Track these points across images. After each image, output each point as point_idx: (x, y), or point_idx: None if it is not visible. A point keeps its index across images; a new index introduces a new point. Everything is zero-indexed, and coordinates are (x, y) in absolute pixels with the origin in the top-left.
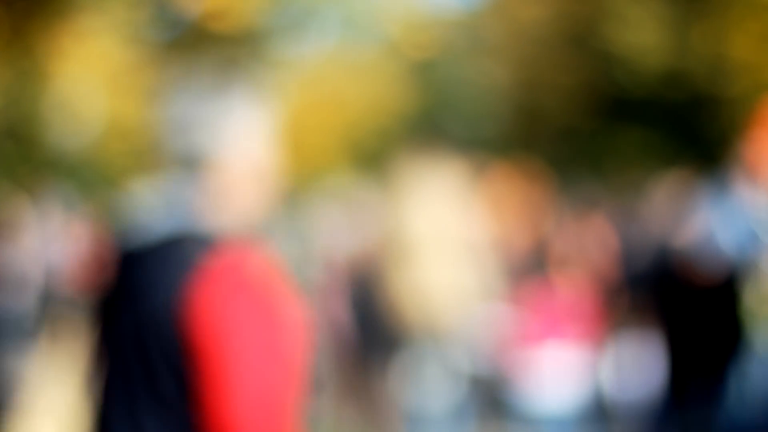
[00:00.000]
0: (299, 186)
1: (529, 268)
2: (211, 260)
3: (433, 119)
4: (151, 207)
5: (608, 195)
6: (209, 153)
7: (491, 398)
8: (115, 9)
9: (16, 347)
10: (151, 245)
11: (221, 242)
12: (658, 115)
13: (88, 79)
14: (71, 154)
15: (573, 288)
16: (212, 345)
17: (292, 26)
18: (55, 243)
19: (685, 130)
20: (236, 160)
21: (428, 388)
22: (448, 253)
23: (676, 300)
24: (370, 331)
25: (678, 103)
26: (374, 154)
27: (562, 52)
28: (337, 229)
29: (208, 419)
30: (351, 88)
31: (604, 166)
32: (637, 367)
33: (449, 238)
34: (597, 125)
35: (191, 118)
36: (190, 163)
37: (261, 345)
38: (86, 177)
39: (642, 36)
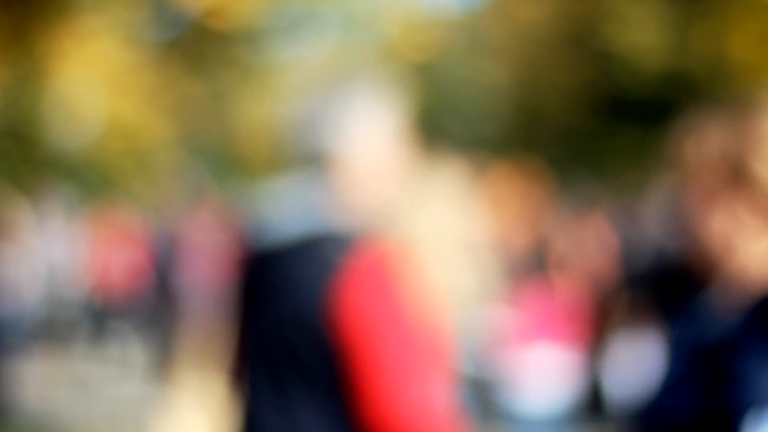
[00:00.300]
0: None
1: (529, 268)
2: (352, 258)
3: (433, 119)
4: (282, 207)
5: (608, 195)
6: (337, 152)
7: (485, 399)
8: (115, 9)
9: (14, 347)
10: (287, 245)
11: (358, 240)
12: (658, 115)
13: (88, 79)
14: (71, 154)
15: (570, 288)
16: (361, 342)
17: (292, 27)
18: (57, 243)
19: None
20: (364, 158)
21: None
22: (447, 252)
23: (676, 300)
24: None
25: (678, 103)
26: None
27: (562, 52)
28: None
29: (362, 413)
30: None
31: (604, 166)
32: (636, 366)
33: (449, 238)
34: (597, 125)
35: (318, 117)
36: (318, 163)
37: (407, 339)
38: (86, 177)
39: (642, 36)
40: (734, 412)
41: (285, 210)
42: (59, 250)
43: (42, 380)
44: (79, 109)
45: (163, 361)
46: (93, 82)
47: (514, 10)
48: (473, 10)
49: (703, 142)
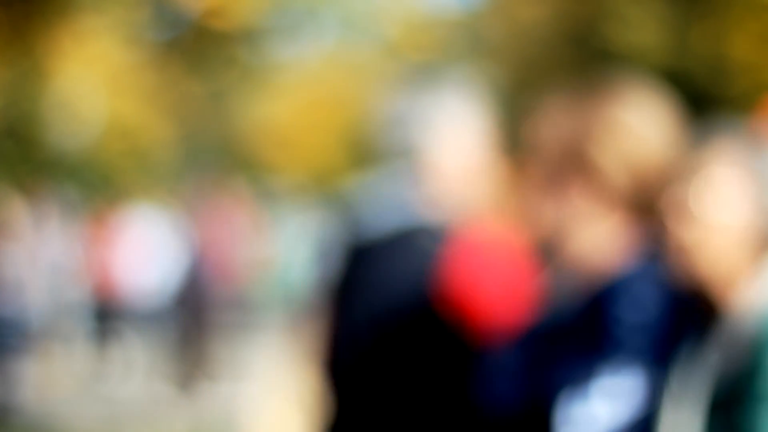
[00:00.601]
0: (300, 186)
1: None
2: (449, 247)
3: None
4: (377, 202)
5: None
6: (427, 148)
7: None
8: (115, 9)
9: (15, 348)
10: (384, 238)
11: (451, 230)
12: None
13: (88, 79)
14: (71, 154)
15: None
16: (473, 327)
17: (292, 27)
18: (57, 243)
19: (685, 130)
20: (452, 154)
21: None
22: None
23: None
24: None
25: (678, 103)
26: (374, 154)
27: (562, 52)
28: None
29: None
30: (351, 87)
31: None
32: None
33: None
34: None
35: (409, 114)
36: (410, 158)
37: (515, 323)
38: (86, 177)
39: (642, 36)
40: (550, 394)
41: (380, 204)
42: (60, 249)
43: (43, 380)
44: (79, 109)
45: (186, 360)
46: (93, 82)
47: (514, 10)
48: (473, 10)
49: (544, 126)
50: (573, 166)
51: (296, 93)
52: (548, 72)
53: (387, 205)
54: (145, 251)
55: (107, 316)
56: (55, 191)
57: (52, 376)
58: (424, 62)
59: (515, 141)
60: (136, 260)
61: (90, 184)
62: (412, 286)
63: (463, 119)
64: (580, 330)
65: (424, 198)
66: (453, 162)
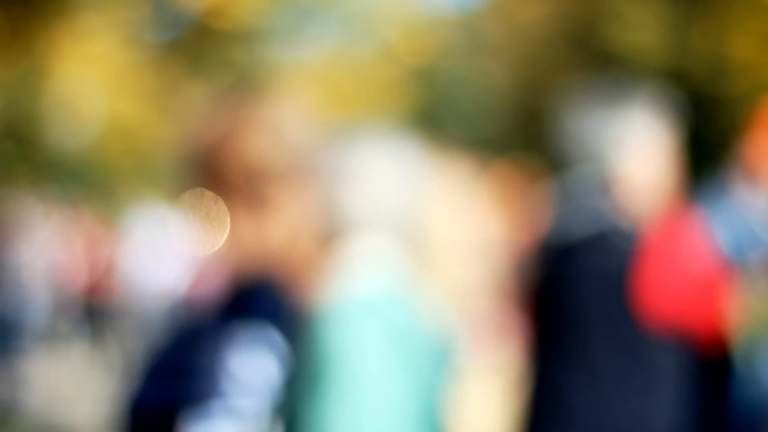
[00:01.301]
0: None
1: (529, 268)
2: (644, 246)
3: (433, 119)
4: (571, 206)
5: None
6: (617, 157)
7: None
8: (115, 9)
9: (16, 348)
10: (582, 239)
11: (642, 231)
12: None
13: (88, 79)
14: (71, 154)
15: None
16: (671, 313)
17: (292, 28)
18: (57, 243)
19: (685, 130)
20: (639, 164)
21: None
22: (449, 252)
23: None
24: None
25: (678, 103)
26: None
27: (562, 52)
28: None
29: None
30: (351, 88)
31: None
32: None
33: (451, 238)
34: None
35: (600, 126)
36: (599, 167)
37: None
38: (86, 177)
39: (642, 36)
40: (180, 405)
41: (573, 209)
42: (60, 250)
43: (44, 380)
44: (79, 109)
45: None
46: (93, 82)
47: (514, 10)
48: (473, 11)
49: (195, 128)
50: (214, 171)
51: (296, 94)
52: (548, 72)
53: (580, 209)
54: (146, 251)
55: (107, 316)
56: (55, 191)
57: (53, 377)
58: (424, 62)
59: (515, 141)
60: (137, 260)
61: (90, 184)
62: (611, 284)
63: (649, 132)
64: (217, 341)
65: (614, 203)
66: (639, 170)
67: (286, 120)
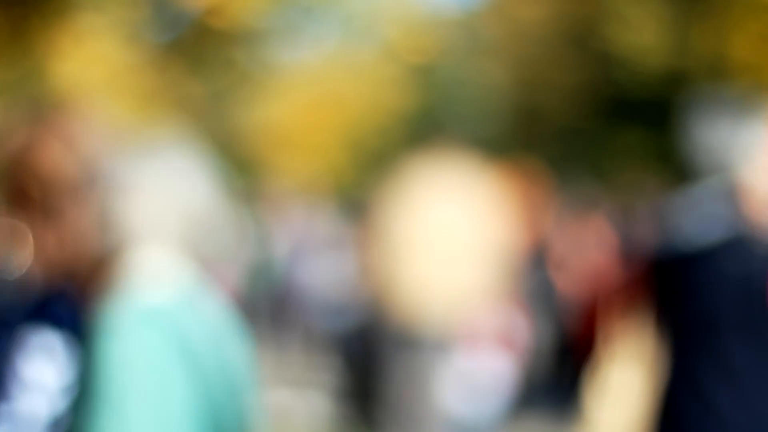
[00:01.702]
0: (300, 186)
1: (529, 268)
2: None
3: (433, 119)
4: (698, 214)
5: (608, 195)
6: (742, 169)
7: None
8: (115, 9)
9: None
10: (712, 246)
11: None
12: (658, 116)
13: (88, 79)
14: None
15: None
16: None
17: (292, 27)
18: None
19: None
20: (763, 175)
21: (430, 388)
22: (450, 252)
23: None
24: (375, 331)
25: (678, 104)
26: (375, 155)
27: (562, 52)
28: (336, 231)
29: None
30: (351, 88)
31: (604, 166)
32: None
33: (451, 238)
34: (597, 125)
35: (727, 138)
36: (726, 177)
37: None
38: None
39: (642, 36)
40: None
41: (701, 216)
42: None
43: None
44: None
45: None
46: (93, 82)
47: (514, 10)
48: (473, 10)
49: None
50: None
51: (296, 94)
52: (548, 72)
53: (707, 217)
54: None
55: None
56: None
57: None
58: (424, 62)
59: (515, 141)
60: None
61: None
62: (751, 288)
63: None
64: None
65: (742, 211)
66: (764, 180)
67: (80, 133)
